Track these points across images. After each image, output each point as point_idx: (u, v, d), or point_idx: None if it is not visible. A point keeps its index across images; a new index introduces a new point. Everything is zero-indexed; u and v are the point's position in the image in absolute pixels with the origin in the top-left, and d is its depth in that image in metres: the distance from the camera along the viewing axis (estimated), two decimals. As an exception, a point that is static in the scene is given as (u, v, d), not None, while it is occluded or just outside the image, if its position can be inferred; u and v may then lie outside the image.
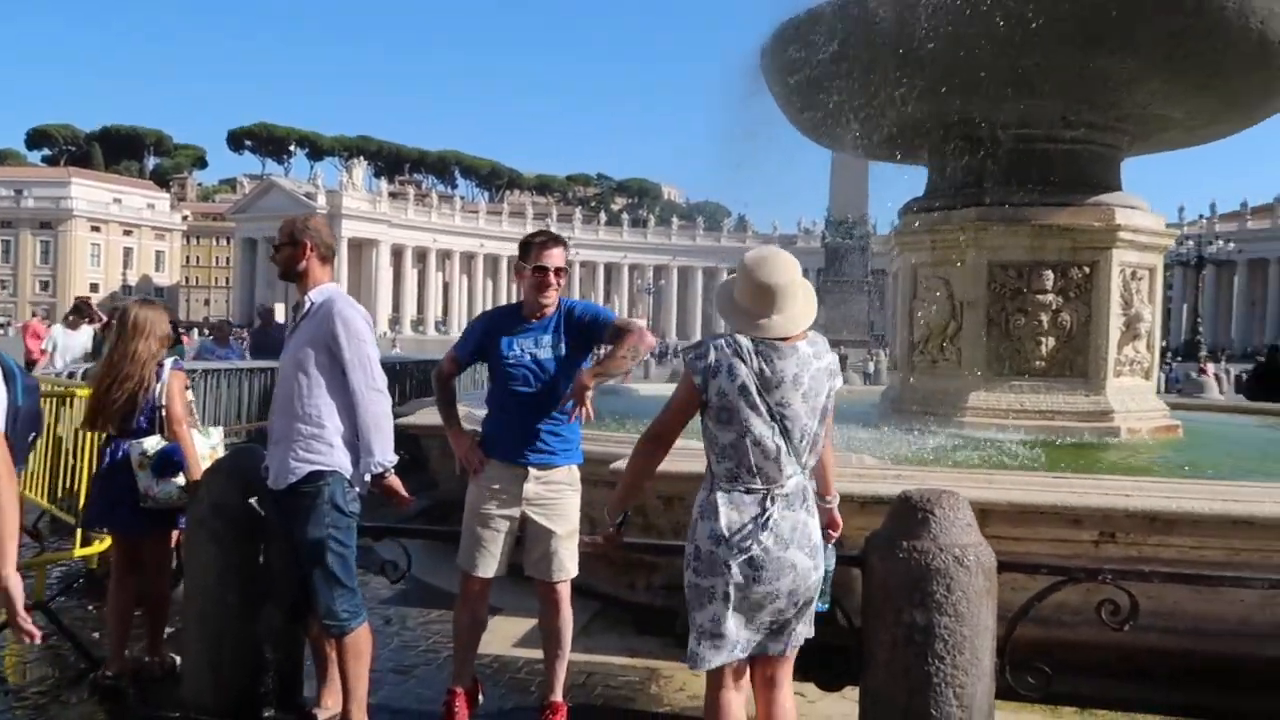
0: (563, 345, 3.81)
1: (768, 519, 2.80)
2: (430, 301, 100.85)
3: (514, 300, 4.14)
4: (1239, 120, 8.92)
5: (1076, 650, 3.86)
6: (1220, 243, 56.77)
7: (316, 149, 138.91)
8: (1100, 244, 7.98)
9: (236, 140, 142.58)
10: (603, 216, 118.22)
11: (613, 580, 5.64)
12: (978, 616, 3.18)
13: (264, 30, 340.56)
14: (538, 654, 4.44)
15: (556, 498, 3.81)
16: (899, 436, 7.74)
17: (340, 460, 3.59)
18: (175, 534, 4.47)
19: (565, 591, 3.86)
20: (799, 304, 2.88)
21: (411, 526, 4.78)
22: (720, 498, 2.88)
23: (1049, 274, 7.97)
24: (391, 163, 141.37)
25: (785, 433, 2.81)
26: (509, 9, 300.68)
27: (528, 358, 3.82)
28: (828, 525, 3.10)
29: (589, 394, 3.69)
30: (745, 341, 2.87)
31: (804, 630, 2.89)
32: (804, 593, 2.83)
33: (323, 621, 3.60)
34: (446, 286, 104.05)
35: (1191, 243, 55.37)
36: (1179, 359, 46.79)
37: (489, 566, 3.78)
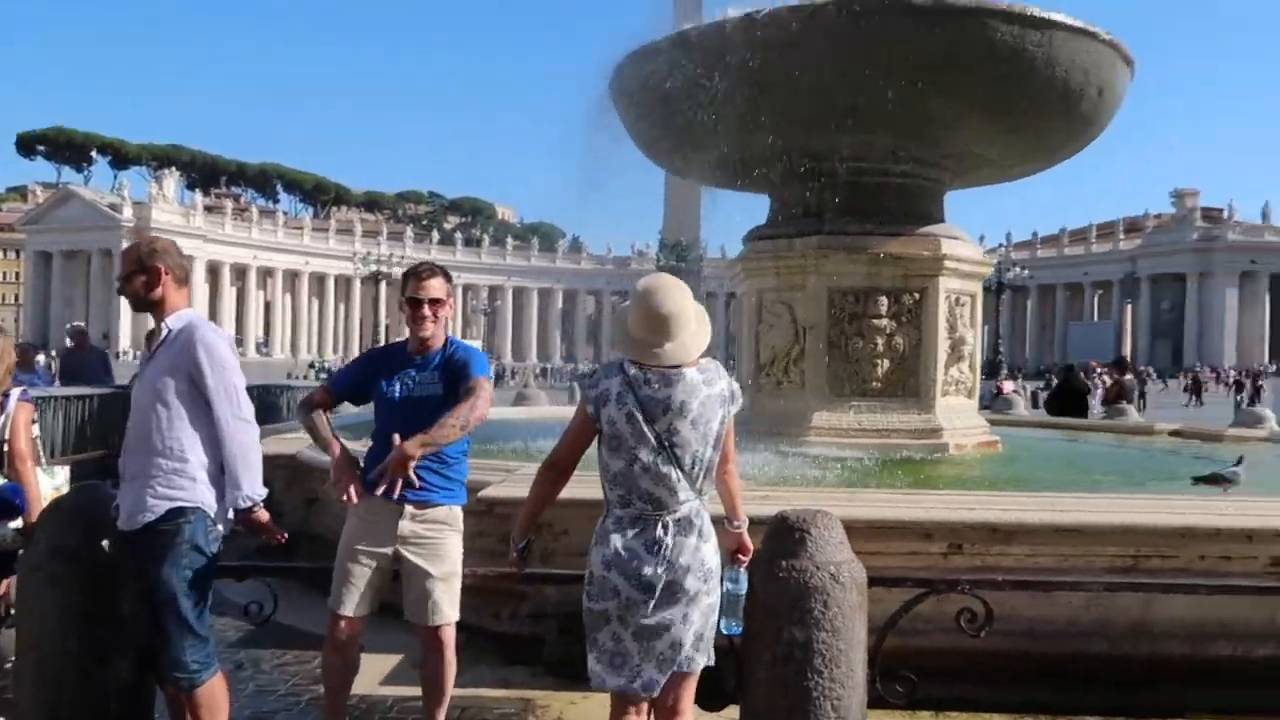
0: (441, 385, 3.70)
1: (659, 545, 2.85)
2: (250, 322, 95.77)
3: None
4: (1044, 160, 9.81)
5: (929, 657, 4.08)
6: (1016, 269, 61.80)
7: (121, 157, 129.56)
8: (928, 272, 8.57)
9: (27, 144, 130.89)
10: (435, 235, 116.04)
11: (477, 610, 5.52)
12: (852, 630, 3.33)
13: (61, 25, 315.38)
14: (408, 691, 4.31)
15: (435, 537, 3.68)
16: (750, 457, 7.99)
17: (203, 496, 3.38)
18: (5, 582, 4.06)
19: (447, 636, 3.71)
20: (689, 331, 2.94)
21: (266, 564, 4.51)
22: (612, 524, 2.92)
23: (884, 299, 8.48)
24: (206, 174, 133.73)
25: (675, 459, 2.87)
26: (334, 16, 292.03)
27: (406, 395, 3.71)
28: (738, 550, 3.14)
29: (411, 464, 3.48)
30: (633, 370, 2.92)
31: (701, 658, 2.95)
32: (697, 618, 2.89)
33: (170, 674, 3.36)
34: (269, 306, 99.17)
35: (991, 270, 60.01)
36: (984, 377, 50.45)
37: (357, 605, 3.62)
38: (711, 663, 2.99)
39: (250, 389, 11.02)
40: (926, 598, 3.60)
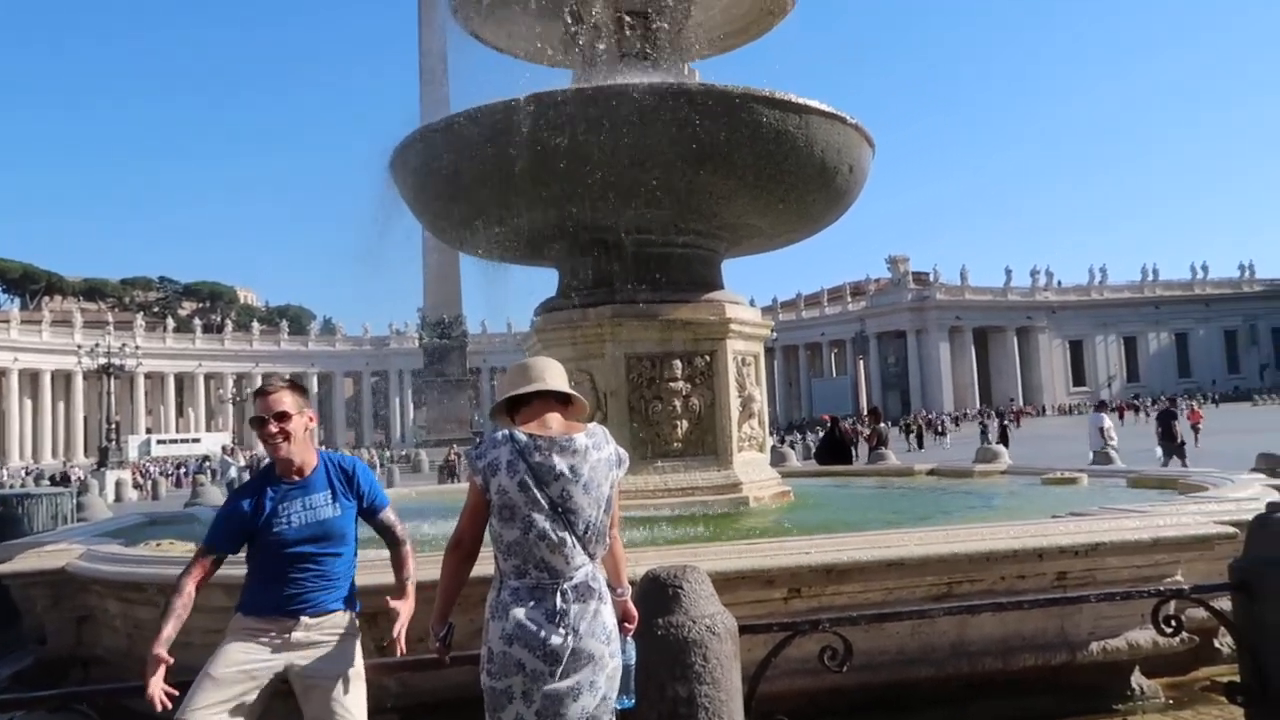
0: (338, 505, 3.50)
1: (559, 612, 2.82)
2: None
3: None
4: (808, 230, 10.67)
5: (785, 700, 4.24)
6: (764, 332, 66.02)
7: None
8: (716, 335, 9.04)
9: None
10: (170, 323, 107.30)
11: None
12: (730, 680, 3.42)
13: None
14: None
15: (332, 642, 3.43)
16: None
17: None
18: None
19: None
20: (553, 372, 3.05)
21: (92, 690, 3.97)
22: (509, 596, 2.86)
23: (678, 363, 8.84)
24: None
25: (569, 525, 2.87)
26: (36, 97, 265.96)
27: (305, 525, 3.45)
28: (624, 618, 3.11)
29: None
30: (522, 437, 2.92)
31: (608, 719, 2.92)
32: (603, 683, 2.86)
33: None
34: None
35: (770, 331, 64.14)
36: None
37: (217, 713, 3.25)
38: (617, 725, 2.97)
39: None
40: (792, 640, 3.76)
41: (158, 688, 3.23)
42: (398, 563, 3.66)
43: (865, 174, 10.00)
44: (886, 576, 4.72)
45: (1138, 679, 5.26)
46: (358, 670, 3.49)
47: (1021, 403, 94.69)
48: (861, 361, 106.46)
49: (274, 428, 3.43)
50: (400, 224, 10.72)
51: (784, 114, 8.57)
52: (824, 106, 8.85)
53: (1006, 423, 48.02)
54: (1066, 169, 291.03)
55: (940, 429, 57.06)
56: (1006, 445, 29.82)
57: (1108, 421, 19.03)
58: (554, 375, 3.09)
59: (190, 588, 3.44)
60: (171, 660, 3.26)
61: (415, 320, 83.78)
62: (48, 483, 46.88)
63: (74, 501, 12.45)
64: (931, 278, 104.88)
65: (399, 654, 3.51)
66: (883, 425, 16.64)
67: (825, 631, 3.78)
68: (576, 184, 8.48)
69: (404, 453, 67.53)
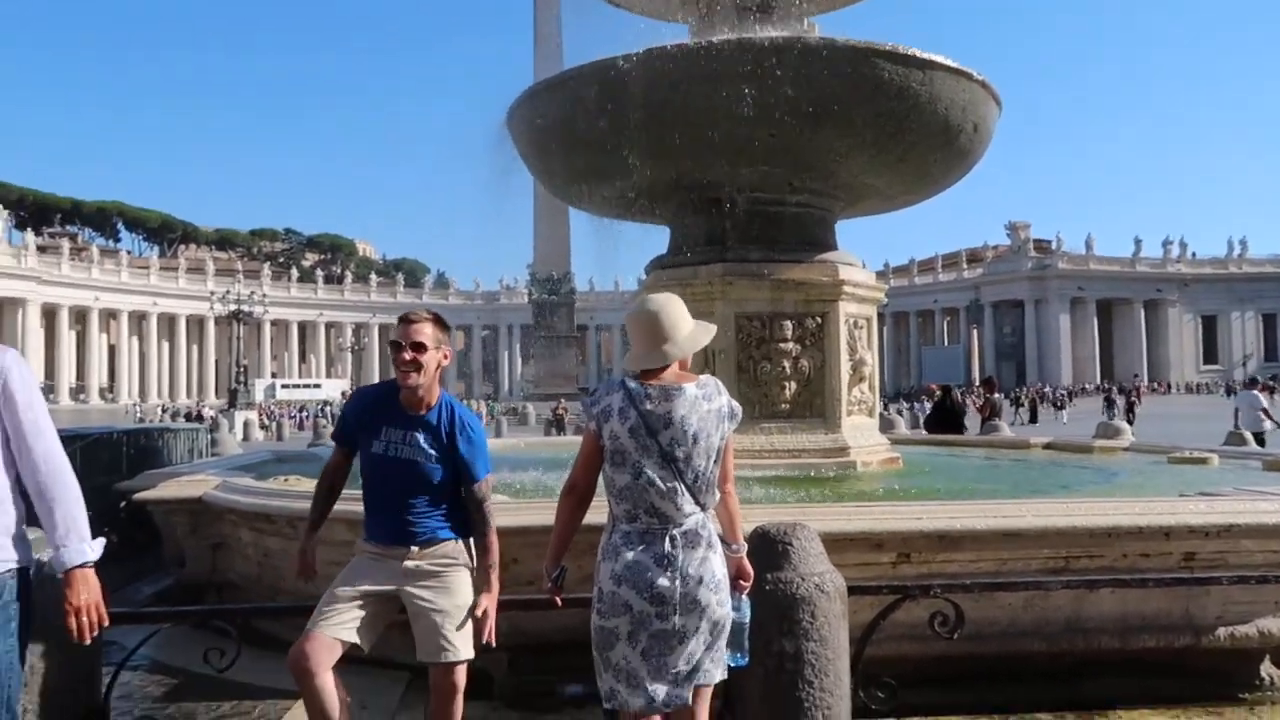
0: (431, 453, 3.52)
1: (669, 558, 2.86)
2: (93, 367, 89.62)
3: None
4: (928, 191, 10.36)
5: (891, 665, 4.20)
6: (874, 298, 64.62)
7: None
8: (829, 297, 8.89)
9: None
10: (294, 273, 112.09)
11: (412, 648, 5.35)
12: (838, 639, 3.41)
13: None
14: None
15: (443, 573, 3.53)
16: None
17: (23, 553, 2.88)
18: None
19: (459, 677, 3.51)
20: (680, 332, 3.02)
21: (232, 607, 4.24)
22: (620, 539, 2.92)
23: (788, 324, 8.74)
24: (37, 213, 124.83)
25: (678, 473, 2.90)
26: (169, 52, 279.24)
27: (388, 454, 3.54)
28: (738, 575, 3.09)
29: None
30: (634, 385, 2.96)
31: (716, 671, 2.95)
32: (710, 630, 2.89)
33: None
34: (113, 350, 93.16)
35: (884, 295, 62.97)
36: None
37: (340, 630, 3.38)
38: (725, 677, 3.00)
39: (130, 433, 10.28)
40: (902, 604, 3.72)
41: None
42: (480, 548, 3.58)
43: (990, 133, 9.62)
44: (1001, 546, 4.61)
45: (1268, 669, 5.01)
46: (464, 603, 3.53)
47: (1146, 379, 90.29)
48: (975, 330, 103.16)
49: (407, 355, 3.48)
50: (514, 181, 10.91)
51: (907, 69, 8.29)
52: (949, 61, 8.53)
53: (1133, 399, 45.83)
54: (1206, 135, 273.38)
55: (1059, 402, 54.99)
56: (1132, 422, 28.46)
57: (1265, 400, 17.52)
58: (682, 336, 3.03)
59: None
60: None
61: (525, 276, 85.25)
62: (183, 420, 49.93)
63: (208, 437, 13.24)
64: (1054, 246, 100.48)
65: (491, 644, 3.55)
66: (997, 396, 16.12)
67: (936, 597, 3.72)
68: (689, 141, 8.40)
69: (512, 405, 69.12)
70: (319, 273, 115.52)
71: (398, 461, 3.52)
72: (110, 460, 9.19)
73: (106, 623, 2.90)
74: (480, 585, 3.56)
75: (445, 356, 3.61)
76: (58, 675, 3.29)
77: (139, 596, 7.40)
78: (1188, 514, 4.75)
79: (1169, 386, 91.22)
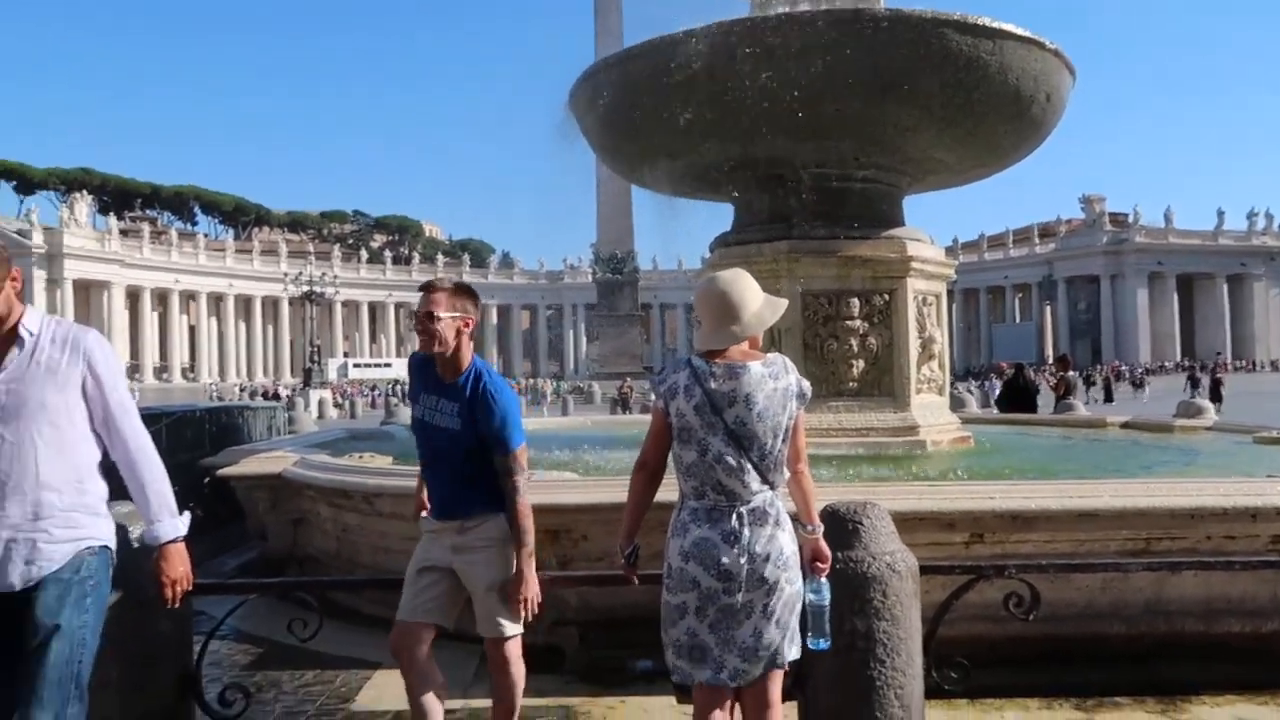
0: (460, 420, 3.53)
1: (735, 534, 2.87)
2: (175, 347, 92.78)
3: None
4: (995, 165, 10.10)
5: (962, 645, 4.15)
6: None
7: (26, 182, 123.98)
8: (896, 273, 8.75)
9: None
10: (363, 254, 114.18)
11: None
12: (910, 619, 3.38)
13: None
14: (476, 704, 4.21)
15: (484, 549, 3.57)
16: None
17: (106, 531, 2.91)
18: None
19: (510, 650, 3.56)
20: (749, 311, 3.01)
21: (319, 579, 4.39)
22: (688, 516, 2.95)
23: (855, 301, 8.63)
24: (119, 198, 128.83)
25: (744, 451, 2.90)
26: (239, 37, 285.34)
27: (425, 419, 3.63)
28: (815, 557, 3.05)
29: (533, 585, 3.50)
30: (699, 363, 2.97)
31: (789, 649, 2.96)
32: (778, 607, 2.90)
33: None
34: (193, 330, 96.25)
35: (953, 271, 61.71)
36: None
37: (423, 612, 3.52)
38: (799, 657, 3.01)
39: (211, 411, 10.62)
40: (975, 584, 3.68)
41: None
42: (510, 524, 3.48)
43: (1063, 104, 9.32)
44: (1077, 527, 4.51)
45: (1359, 656, 4.83)
46: (506, 578, 3.53)
47: (1230, 357, 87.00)
48: (1048, 307, 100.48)
49: (420, 326, 3.56)
50: (577, 161, 10.94)
51: (975, 39, 8.08)
52: (1020, 30, 8.29)
53: (1219, 376, 44.17)
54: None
55: (1138, 381, 53.38)
56: (1219, 401, 27.39)
57: None
58: (749, 315, 3.02)
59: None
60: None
61: (588, 256, 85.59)
62: (260, 398, 51.45)
63: (285, 415, 13.63)
64: (1130, 219, 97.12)
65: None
66: (1071, 374, 15.69)
67: (1011, 578, 3.66)
68: (753, 117, 8.32)
69: (577, 384, 69.66)
70: (387, 254, 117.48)
71: (433, 428, 3.59)
72: (194, 437, 9.51)
73: (191, 589, 3.07)
74: (516, 568, 3.50)
75: (466, 324, 3.58)
76: (153, 644, 3.43)
77: (224, 569, 7.69)
78: (1276, 495, 4.59)
79: (1254, 364, 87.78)
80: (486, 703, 3.80)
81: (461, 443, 3.53)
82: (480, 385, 3.54)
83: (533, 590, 3.48)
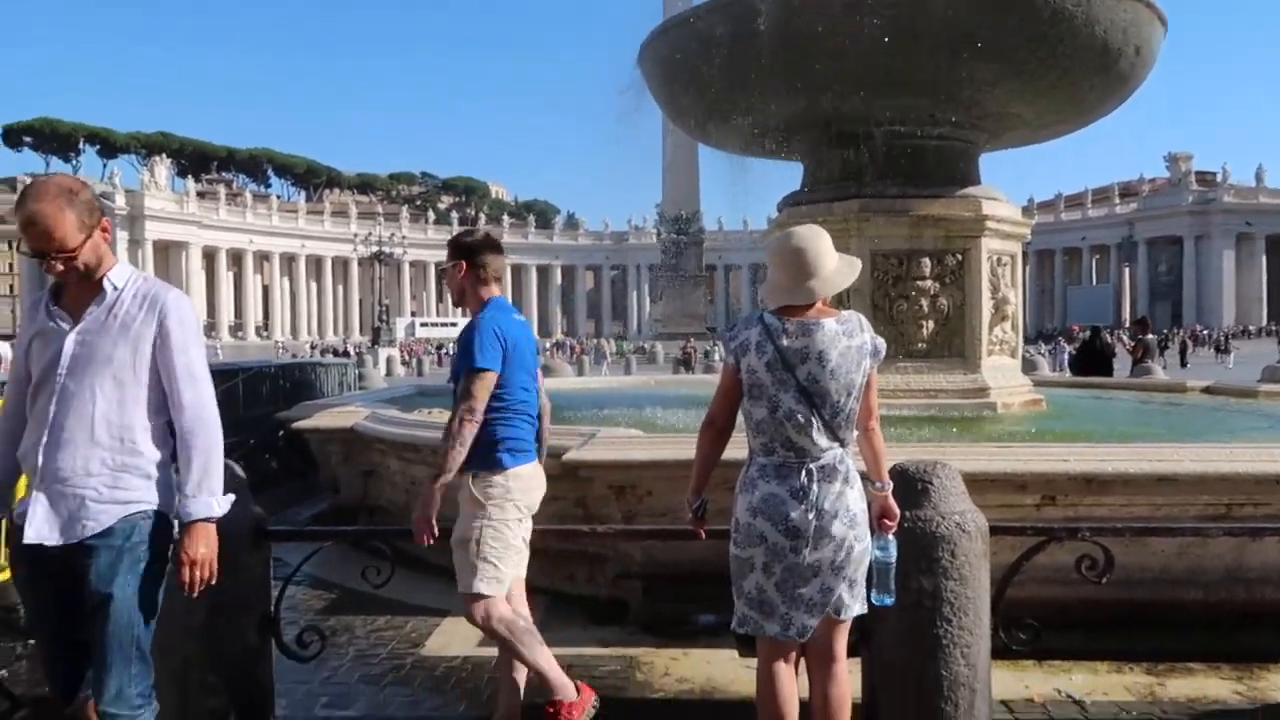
0: (459, 359, 3.59)
1: (803, 490, 2.87)
2: (249, 306, 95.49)
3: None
4: (1078, 121, 9.74)
5: (1031, 607, 4.10)
6: (1017, 235, 61.69)
7: (109, 146, 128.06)
8: (970, 233, 8.54)
9: (13, 137, 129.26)
10: (430, 215, 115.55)
11: (550, 574, 5.56)
12: (978, 579, 3.35)
13: (44, 20, 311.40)
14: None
15: (459, 504, 3.60)
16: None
17: (164, 496, 2.79)
18: None
19: (473, 609, 3.47)
20: (825, 270, 2.97)
21: (385, 528, 4.52)
22: (756, 472, 2.95)
23: (927, 261, 8.46)
24: (196, 161, 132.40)
25: (815, 408, 2.88)
26: (313, 4, 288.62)
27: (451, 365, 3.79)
28: (883, 514, 3.04)
29: (430, 509, 3.42)
30: (771, 319, 2.94)
31: (854, 604, 2.96)
32: (845, 563, 2.90)
33: (104, 710, 2.64)
34: (266, 290, 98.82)
35: (1030, 231, 60.25)
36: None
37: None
38: (865, 611, 3.01)
39: (285, 368, 10.94)
40: (1046, 545, 3.62)
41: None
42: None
43: (1154, 57, 8.92)
44: (1155, 491, 4.40)
45: None
46: (463, 534, 3.48)
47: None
48: (1127, 269, 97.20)
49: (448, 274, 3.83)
50: (643, 121, 10.86)
51: (1061, -11, 7.76)
52: (1110, -21, 7.92)
53: None
54: None
55: (1221, 345, 51.53)
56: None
57: None
58: (829, 272, 2.98)
59: None
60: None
61: (653, 217, 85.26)
62: (331, 355, 52.75)
63: (355, 372, 13.96)
64: (1219, 178, 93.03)
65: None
66: (1150, 337, 15.20)
67: (1084, 540, 3.60)
68: (825, 72, 8.14)
69: (641, 344, 69.83)
70: (454, 215, 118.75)
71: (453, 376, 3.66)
72: (269, 392, 9.81)
73: (216, 580, 2.79)
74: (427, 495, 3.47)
75: (461, 273, 3.72)
76: (236, 589, 3.56)
77: (298, 519, 7.96)
78: (1371, 463, 4.41)
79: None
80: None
81: (455, 384, 3.55)
82: (477, 318, 3.62)
83: (422, 513, 3.42)
